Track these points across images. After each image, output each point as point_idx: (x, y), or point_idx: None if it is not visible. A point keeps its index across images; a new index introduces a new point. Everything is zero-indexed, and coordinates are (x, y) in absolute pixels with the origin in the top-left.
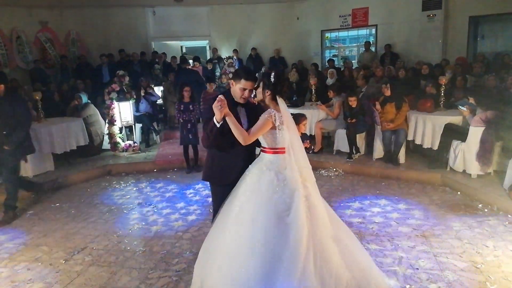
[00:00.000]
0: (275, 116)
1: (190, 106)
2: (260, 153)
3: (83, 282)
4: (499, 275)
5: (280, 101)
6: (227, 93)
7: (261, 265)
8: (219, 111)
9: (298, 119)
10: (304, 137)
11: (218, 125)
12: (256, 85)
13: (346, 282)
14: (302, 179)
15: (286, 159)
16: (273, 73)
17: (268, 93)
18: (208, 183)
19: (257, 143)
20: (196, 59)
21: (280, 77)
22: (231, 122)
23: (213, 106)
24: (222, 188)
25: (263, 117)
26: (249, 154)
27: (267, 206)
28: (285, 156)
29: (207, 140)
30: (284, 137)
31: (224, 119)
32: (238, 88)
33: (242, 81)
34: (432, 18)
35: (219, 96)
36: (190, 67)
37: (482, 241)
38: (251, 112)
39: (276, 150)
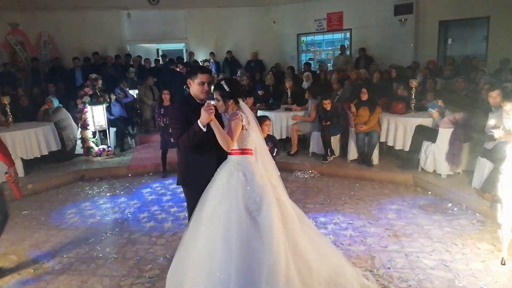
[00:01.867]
0: (241, 117)
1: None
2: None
3: None
4: (467, 272)
5: (242, 103)
6: (187, 99)
7: (237, 273)
8: (208, 114)
9: (261, 120)
10: (270, 139)
11: (204, 130)
12: (215, 99)
13: (326, 280)
14: (268, 176)
15: (252, 159)
16: (223, 81)
17: (230, 102)
18: (181, 187)
19: None
20: (179, 60)
21: (232, 82)
22: (216, 127)
23: (203, 109)
24: (198, 191)
25: (233, 120)
26: (221, 155)
27: (239, 207)
28: (252, 156)
29: (188, 141)
30: (251, 137)
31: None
32: (197, 84)
33: (199, 75)
34: (403, 22)
35: (207, 101)
36: (178, 69)
37: (452, 240)
38: (216, 113)
39: (244, 151)
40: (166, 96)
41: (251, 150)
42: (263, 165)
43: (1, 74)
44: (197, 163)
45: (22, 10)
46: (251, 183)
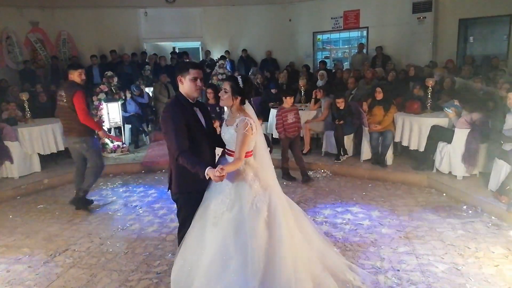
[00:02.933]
0: (251, 125)
1: (217, 109)
2: (223, 154)
3: (62, 285)
4: (480, 277)
5: (247, 104)
6: (178, 99)
7: (254, 278)
8: (217, 180)
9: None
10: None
11: (206, 177)
12: (223, 89)
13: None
14: (265, 174)
15: (252, 160)
16: (240, 77)
17: (237, 98)
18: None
19: (219, 143)
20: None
21: (248, 80)
22: (230, 169)
23: (213, 175)
24: (196, 197)
25: (241, 131)
26: (213, 156)
27: (249, 213)
28: (251, 157)
29: (186, 166)
30: (254, 141)
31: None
32: (188, 81)
33: (191, 70)
34: (422, 20)
35: (220, 167)
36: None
37: (465, 243)
38: (204, 110)
39: (246, 154)
40: (210, 95)
41: (251, 151)
42: (260, 163)
43: (21, 71)
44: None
45: (43, 9)
46: (255, 185)
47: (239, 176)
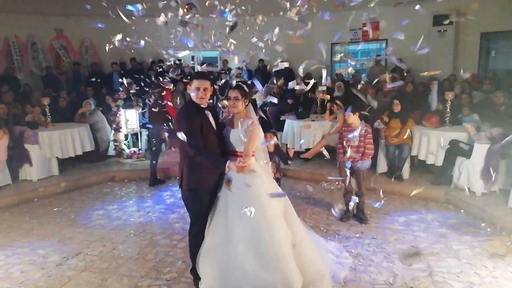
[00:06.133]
0: (257, 124)
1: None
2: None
3: None
4: None
5: (250, 106)
6: (189, 104)
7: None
8: (238, 171)
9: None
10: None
11: (226, 170)
12: (234, 98)
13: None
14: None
15: (253, 160)
16: (244, 84)
17: (246, 102)
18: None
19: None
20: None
21: (250, 86)
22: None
23: (236, 165)
24: (205, 192)
25: (251, 132)
26: (222, 156)
27: (268, 207)
28: (253, 158)
29: (205, 162)
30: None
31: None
32: (194, 88)
33: (194, 81)
34: (443, 33)
35: (240, 160)
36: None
37: (482, 261)
38: (214, 114)
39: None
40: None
41: (254, 152)
42: (258, 161)
43: (44, 77)
44: (205, 166)
45: (67, 17)
46: (260, 183)
47: (253, 174)
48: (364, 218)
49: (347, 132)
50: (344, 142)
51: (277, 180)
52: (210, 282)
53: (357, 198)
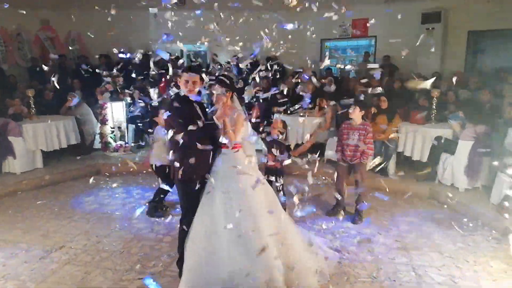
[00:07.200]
0: (242, 114)
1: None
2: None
3: (56, 281)
4: None
5: (234, 97)
6: (177, 95)
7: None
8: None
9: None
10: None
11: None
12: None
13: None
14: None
15: (241, 152)
16: (222, 77)
17: (229, 94)
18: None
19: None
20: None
21: (229, 77)
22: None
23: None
24: (196, 183)
25: (235, 120)
26: (216, 149)
27: (255, 198)
28: (241, 149)
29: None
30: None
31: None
32: (183, 81)
33: (184, 74)
34: (431, 31)
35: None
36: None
37: (464, 256)
38: (202, 108)
39: (236, 146)
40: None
41: (241, 145)
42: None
43: (29, 68)
44: (196, 157)
45: (54, 8)
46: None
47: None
48: (358, 219)
49: (347, 130)
50: (343, 140)
51: (276, 169)
52: (194, 266)
53: (356, 200)
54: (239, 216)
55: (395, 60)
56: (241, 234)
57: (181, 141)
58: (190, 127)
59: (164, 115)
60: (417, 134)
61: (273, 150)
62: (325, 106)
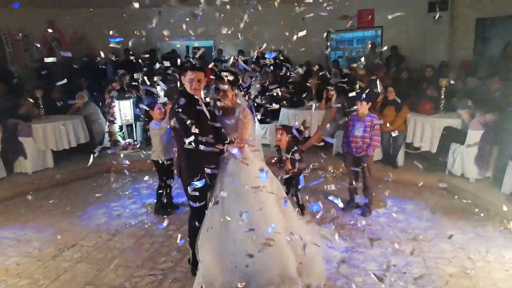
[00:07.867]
0: (248, 110)
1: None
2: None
3: (69, 279)
4: (488, 281)
5: (238, 93)
6: (181, 93)
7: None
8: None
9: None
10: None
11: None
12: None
13: None
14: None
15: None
16: (226, 72)
17: (235, 90)
18: None
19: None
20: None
21: (234, 72)
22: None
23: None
24: (205, 181)
25: (242, 118)
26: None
27: (264, 193)
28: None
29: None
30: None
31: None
32: (188, 80)
33: (188, 72)
34: (438, 19)
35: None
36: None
37: (475, 246)
38: (207, 105)
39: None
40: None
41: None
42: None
43: (37, 69)
44: (200, 156)
45: (59, 8)
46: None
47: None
48: (367, 212)
49: (353, 122)
50: (349, 132)
51: (294, 175)
52: (210, 264)
53: (363, 192)
54: (248, 209)
55: (403, 50)
56: (252, 226)
57: (189, 146)
58: (200, 138)
59: (171, 120)
60: (426, 124)
61: (287, 156)
62: (331, 98)
